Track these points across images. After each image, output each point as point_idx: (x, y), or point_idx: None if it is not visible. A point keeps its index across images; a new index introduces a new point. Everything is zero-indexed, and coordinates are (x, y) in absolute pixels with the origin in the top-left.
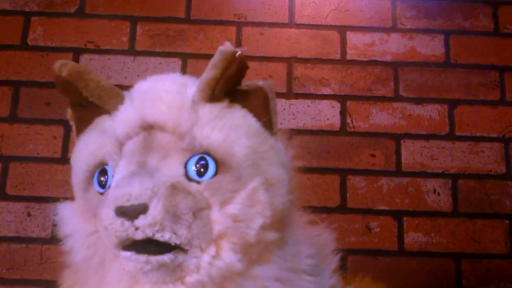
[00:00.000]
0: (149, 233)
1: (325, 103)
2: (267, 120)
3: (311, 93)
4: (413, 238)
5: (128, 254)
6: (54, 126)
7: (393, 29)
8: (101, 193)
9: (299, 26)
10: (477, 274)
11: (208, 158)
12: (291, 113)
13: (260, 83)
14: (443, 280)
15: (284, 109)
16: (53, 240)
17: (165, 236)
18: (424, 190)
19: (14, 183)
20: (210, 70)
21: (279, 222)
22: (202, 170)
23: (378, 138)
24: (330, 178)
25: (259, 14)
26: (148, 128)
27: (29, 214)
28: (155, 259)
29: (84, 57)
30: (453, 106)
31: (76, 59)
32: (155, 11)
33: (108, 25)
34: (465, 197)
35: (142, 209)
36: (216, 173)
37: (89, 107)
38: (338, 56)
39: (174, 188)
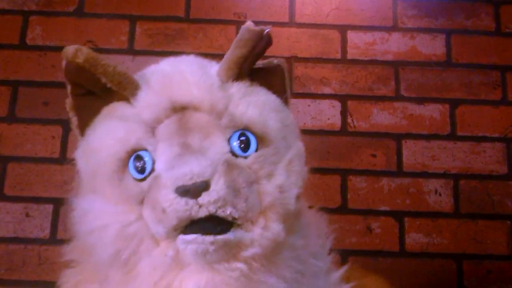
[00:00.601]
0: (212, 209)
1: (325, 102)
2: (285, 97)
3: (311, 93)
4: (414, 239)
5: (193, 236)
6: (52, 126)
7: (394, 28)
8: (141, 180)
9: (300, 25)
10: (478, 275)
11: (248, 133)
12: (292, 112)
13: (276, 61)
14: (445, 281)
15: None
16: (52, 241)
17: (226, 211)
18: (425, 191)
19: (12, 184)
20: (239, 49)
21: (301, 193)
22: (244, 145)
23: (379, 138)
24: (331, 179)
25: (259, 13)
26: (180, 109)
27: (27, 215)
28: (222, 238)
29: None
30: (455, 106)
31: None
32: (154, 10)
33: (107, 25)
34: (466, 198)
35: (205, 186)
36: (257, 148)
37: (97, 95)
38: (338, 56)
39: (229, 164)
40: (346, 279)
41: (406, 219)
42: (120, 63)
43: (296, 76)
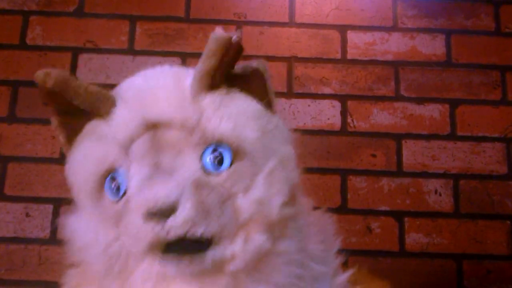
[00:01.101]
0: (181, 232)
1: (325, 102)
2: (267, 101)
3: (311, 93)
4: (414, 239)
5: (168, 258)
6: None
7: (394, 28)
8: (116, 201)
9: (300, 25)
10: (478, 275)
11: (221, 148)
12: (292, 112)
13: (254, 64)
14: (444, 281)
15: (284, 108)
16: (52, 240)
17: (197, 233)
18: (425, 191)
19: (13, 184)
20: (208, 59)
21: (293, 197)
22: (217, 161)
23: (379, 138)
24: (331, 179)
25: (259, 13)
26: (152, 127)
27: (27, 215)
28: (199, 257)
29: (83, 57)
30: (455, 106)
31: (75, 59)
32: (154, 10)
33: (107, 25)
34: (466, 198)
35: (172, 210)
36: (232, 162)
37: (77, 114)
38: (338, 56)
39: (197, 184)
40: (352, 282)
41: (406, 219)
42: (120, 63)
43: (296, 76)
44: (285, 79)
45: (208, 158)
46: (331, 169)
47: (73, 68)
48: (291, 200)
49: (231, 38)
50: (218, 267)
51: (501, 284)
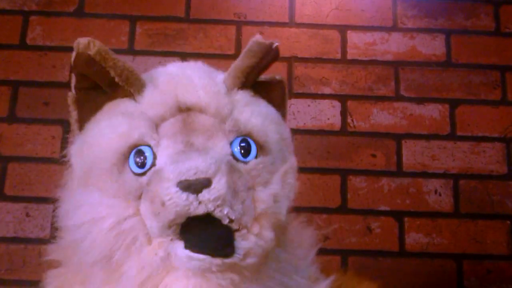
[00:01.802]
0: (211, 207)
1: (325, 102)
2: (282, 113)
3: (311, 93)
4: (414, 239)
5: (202, 257)
6: (52, 126)
7: (394, 28)
8: (140, 174)
9: (299, 25)
10: (478, 275)
11: (250, 140)
12: (292, 112)
13: (278, 76)
14: (444, 281)
15: None
16: (52, 240)
17: (224, 211)
18: (425, 191)
19: (13, 184)
20: (247, 59)
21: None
22: (244, 151)
23: (379, 138)
24: (331, 179)
25: (259, 13)
26: (185, 110)
27: (27, 215)
28: (229, 262)
29: None
30: (454, 106)
31: None
32: (154, 11)
33: (107, 25)
34: (466, 198)
35: (207, 183)
36: (257, 155)
37: (102, 90)
38: (338, 56)
39: (231, 165)
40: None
41: (406, 219)
42: None
43: (296, 76)
44: (285, 79)
45: (237, 147)
46: (331, 169)
47: None
48: (289, 209)
49: (272, 44)
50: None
51: (501, 284)
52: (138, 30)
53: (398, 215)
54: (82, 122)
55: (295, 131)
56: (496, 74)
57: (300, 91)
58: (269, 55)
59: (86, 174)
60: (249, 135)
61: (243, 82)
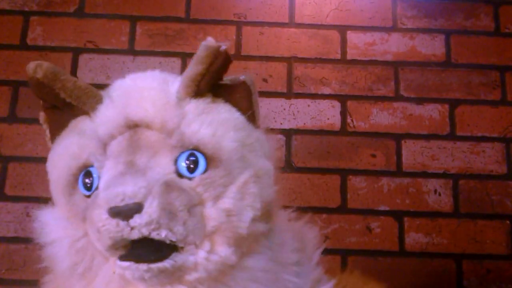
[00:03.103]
0: (145, 232)
1: (325, 103)
2: (251, 114)
3: (311, 93)
4: (414, 239)
5: (126, 264)
6: None
7: (393, 28)
8: (88, 196)
9: (299, 25)
10: (478, 274)
11: (198, 154)
12: (291, 113)
13: (242, 77)
14: (444, 280)
15: (284, 109)
16: None
17: (161, 234)
18: (424, 191)
19: (13, 184)
20: (195, 66)
21: (267, 213)
22: (192, 166)
23: (378, 138)
24: (331, 178)
25: (259, 13)
26: (133, 126)
27: (28, 215)
28: (156, 266)
29: (84, 57)
30: (454, 106)
31: (76, 59)
32: (154, 11)
33: (107, 25)
34: (466, 198)
35: (137, 208)
36: (206, 169)
37: (64, 109)
38: (338, 56)
39: (167, 186)
40: None
41: (405, 219)
42: (121, 63)
43: (296, 77)
44: (285, 79)
45: (184, 162)
46: (331, 169)
47: (74, 68)
48: (264, 216)
49: (219, 47)
50: (177, 276)
51: (500, 283)
52: (138, 30)
53: (397, 215)
54: (53, 139)
55: (295, 131)
56: (495, 74)
57: (300, 91)
58: (218, 59)
59: (52, 191)
60: (196, 148)
61: (195, 91)
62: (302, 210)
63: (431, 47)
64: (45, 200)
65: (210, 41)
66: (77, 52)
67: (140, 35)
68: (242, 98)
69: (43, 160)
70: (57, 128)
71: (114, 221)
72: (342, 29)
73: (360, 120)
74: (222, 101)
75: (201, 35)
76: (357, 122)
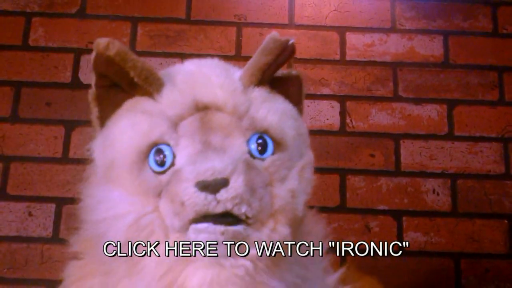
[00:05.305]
0: (229, 206)
1: (324, 103)
2: (299, 108)
3: (310, 93)
4: (413, 238)
5: (205, 225)
6: (55, 126)
7: (392, 29)
8: (160, 172)
9: (299, 26)
10: (476, 273)
11: (266, 137)
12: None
13: (294, 72)
14: (442, 279)
15: None
16: (54, 239)
17: (241, 209)
18: (423, 190)
19: (15, 183)
20: (263, 56)
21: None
22: (260, 148)
23: (377, 138)
24: (330, 178)
25: (259, 14)
26: (203, 108)
27: (30, 214)
28: (232, 229)
29: (85, 58)
30: (452, 106)
31: (77, 60)
32: (155, 12)
33: (109, 26)
34: (464, 197)
35: (224, 183)
36: (273, 152)
37: (125, 88)
38: (337, 57)
39: (248, 164)
40: (342, 281)
41: (404, 218)
42: None
43: None
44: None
45: (254, 144)
46: (330, 169)
47: (75, 69)
48: (306, 203)
49: (288, 40)
50: (240, 250)
51: (498, 282)
52: (140, 31)
53: (396, 214)
54: (103, 119)
55: None
56: (493, 75)
57: None
58: (285, 52)
59: (108, 170)
60: (265, 132)
61: (259, 80)
62: None
63: (430, 48)
64: (47, 199)
65: (276, 34)
66: (78, 53)
67: (141, 36)
68: (294, 92)
69: (45, 160)
70: (108, 107)
71: (202, 194)
72: (341, 30)
73: (359, 120)
74: (276, 93)
75: (201, 36)
76: (356, 122)
